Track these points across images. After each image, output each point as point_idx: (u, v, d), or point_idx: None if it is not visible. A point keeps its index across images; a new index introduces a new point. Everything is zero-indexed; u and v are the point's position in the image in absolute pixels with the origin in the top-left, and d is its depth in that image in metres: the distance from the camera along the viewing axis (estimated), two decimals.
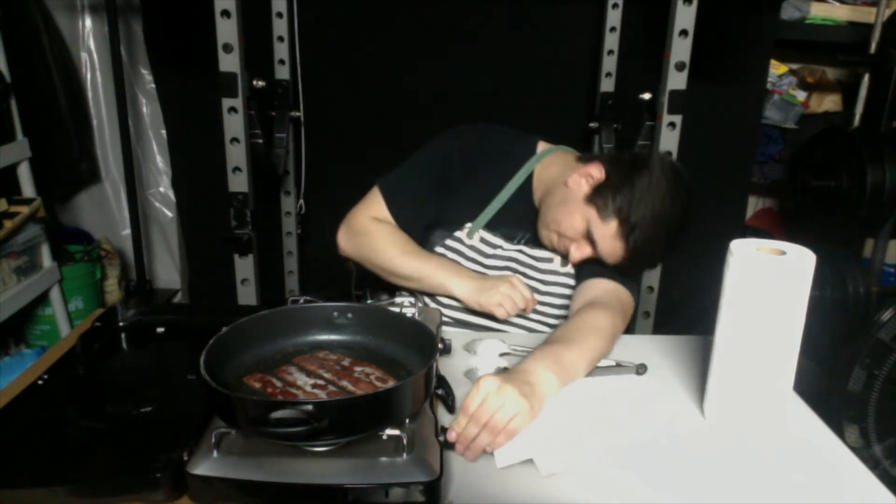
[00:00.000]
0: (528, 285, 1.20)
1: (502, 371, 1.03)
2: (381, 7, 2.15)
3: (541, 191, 1.28)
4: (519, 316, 1.24)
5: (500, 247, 1.28)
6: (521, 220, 1.29)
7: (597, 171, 1.17)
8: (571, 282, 1.28)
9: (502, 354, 1.09)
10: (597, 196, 1.14)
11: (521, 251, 1.28)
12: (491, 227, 1.28)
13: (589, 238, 1.16)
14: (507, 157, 1.31)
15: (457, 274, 1.22)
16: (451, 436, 0.82)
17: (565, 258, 1.26)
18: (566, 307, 1.28)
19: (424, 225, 1.30)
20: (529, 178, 1.30)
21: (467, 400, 0.83)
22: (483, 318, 1.25)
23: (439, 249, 1.29)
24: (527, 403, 0.84)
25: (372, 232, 1.26)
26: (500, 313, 1.16)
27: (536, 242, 1.28)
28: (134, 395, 0.91)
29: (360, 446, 0.74)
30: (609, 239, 1.14)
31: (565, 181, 1.20)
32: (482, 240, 1.28)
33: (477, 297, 1.18)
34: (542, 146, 1.34)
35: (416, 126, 1.46)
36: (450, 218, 1.29)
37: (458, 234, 1.28)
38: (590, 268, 1.23)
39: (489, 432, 0.81)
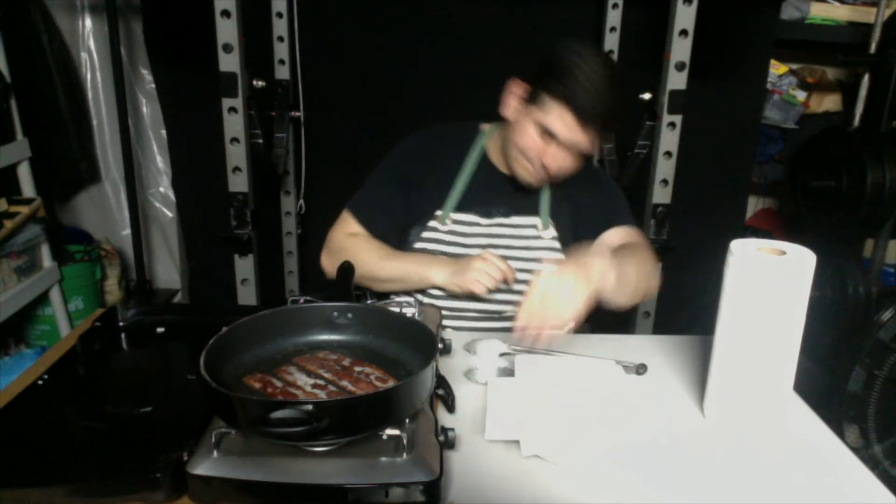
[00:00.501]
0: (503, 257, 1.22)
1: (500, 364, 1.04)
2: (380, 7, 2.15)
3: (498, 156, 1.33)
4: (506, 290, 1.25)
5: (478, 224, 1.31)
6: (491, 196, 1.31)
7: (516, 85, 1.23)
8: (557, 244, 1.30)
9: (502, 354, 1.09)
10: (531, 100, 1.19)
11: (499, 224, 1.31)
12: (462, 208, 1.31)
13: (549, 136, 1.17)
14: (456, 142, 1.36)
15: (434, 264, 1.25)
16: (520, 326, 0.93)
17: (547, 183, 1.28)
18: None
19: (398, 228, 1.34)
20: (485, 156, 1.35)
21: (530, 291, 0.93)
22: (477, 302, 1.27)
23: (419, 245, 1.31)
24: (583, 281, 0.94)
25: (349, 246, 1.31)
26: (478, 289, 1.17)
27: (513, 213, 1.31)
28: (134, 395, 0.91)
29: (360, 446, 0.74)
30: (563, 123, 1.15)
31: (503, 116, 1.25)
32: (456, 222, 1.30)
33: (454, 279, 1.20)
34: (485, 126, 1.39)
35: (416, 126, 1.46)
36: (420, 213, 1.32)
37: (431, 224, 1.31)
38: (589, 226, 1.28)
39: (556, 313, 0.92)
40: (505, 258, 1.23)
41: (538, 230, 1.30)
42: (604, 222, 1.28)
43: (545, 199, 1.31)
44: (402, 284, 1.28)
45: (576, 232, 1.31)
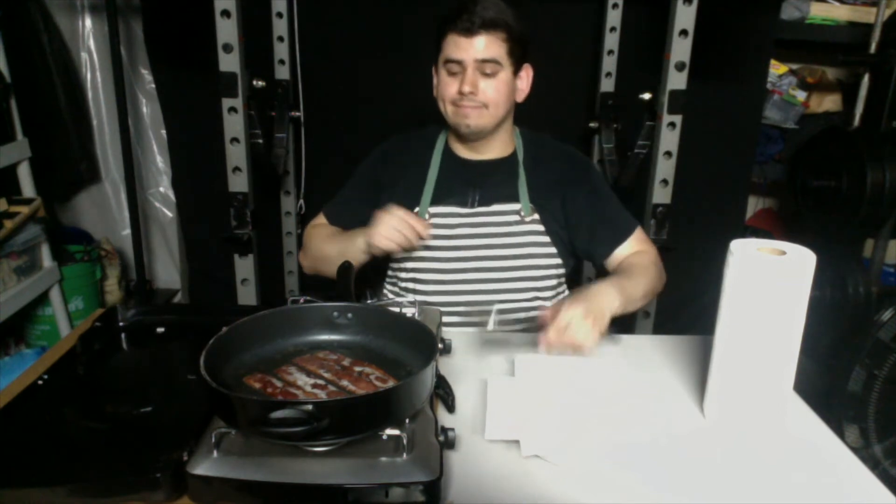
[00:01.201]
0: (487, 245, 1.28)
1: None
2: (380, 7, 2.15)
3: (458, 144, 1.38)
4: (495, 280, 1.29)
5: (458, 214, 1.32)
6: (464, 185, 1.34)
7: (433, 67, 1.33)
8: (540, 227, 1.32)
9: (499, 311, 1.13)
10: (437, 58, 1.29)
11: (480, 213, 1.32)
12: (437, 202, 1.33)
13: (457, 66, 1.24)
14: (422, 141, 1.41)
15: (360, 232, 1.26)
16: (545, 344, 1.04)
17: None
18: (539, 255, 1.32)
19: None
20: (447, 147, 1.39)
21: (558, 321, 1.02)
22: (465, 295, 1.30)
23: None
24: (597, 329, 1.04)
25: (311, 236, 1.41)
26: (385, 245, 1.19)
27: (494, 202, 1.33)
28: (134, 395, 0.91)
29: (360, 446, 0.74)
30: (453, 45, 1.23)
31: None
32: (435, 215, 1.32)
33: (369, 240, 1.21)
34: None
35: (415, 126, 1.47)
36: None
37: None
38: (590, 239, 1.32)
39: (575, 342, 1.03)
40: (488, 245, 1.28)
41: (521, 216, 1.32)
42: (613, 239, 1.32)
43: (522, 184, 1.33)
44: (345, 259, 1.30)
45: (570, 233, 1.34)
